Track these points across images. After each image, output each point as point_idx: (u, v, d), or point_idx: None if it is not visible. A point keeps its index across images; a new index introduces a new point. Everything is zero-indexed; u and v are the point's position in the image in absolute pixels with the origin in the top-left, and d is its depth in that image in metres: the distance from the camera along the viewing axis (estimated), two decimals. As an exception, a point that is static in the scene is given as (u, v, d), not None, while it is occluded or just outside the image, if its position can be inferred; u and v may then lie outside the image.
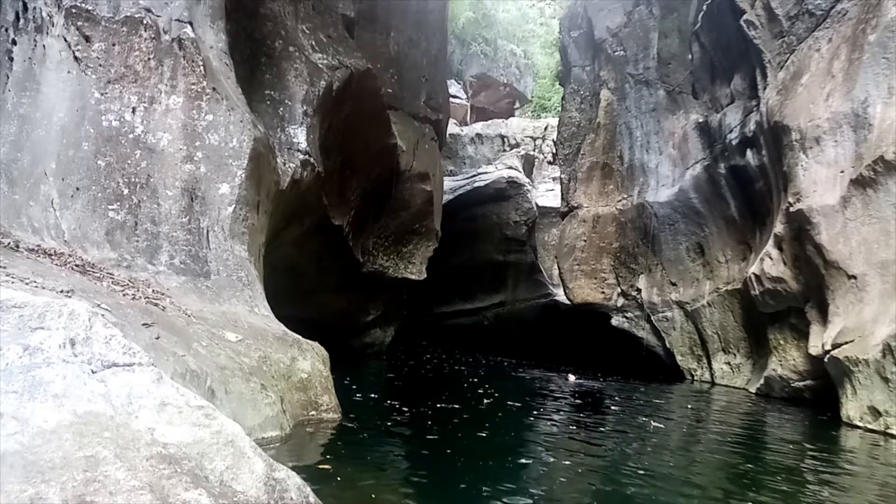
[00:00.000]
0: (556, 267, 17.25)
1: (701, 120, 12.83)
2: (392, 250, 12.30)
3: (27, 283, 3.38)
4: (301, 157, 7.54)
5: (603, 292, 14.89)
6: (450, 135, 20.30)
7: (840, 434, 7.54)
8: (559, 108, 19.75)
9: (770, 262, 10.22)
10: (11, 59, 5.19)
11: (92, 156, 5.23)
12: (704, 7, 12.52)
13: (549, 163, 23.79)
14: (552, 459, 5.26)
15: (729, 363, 12.61)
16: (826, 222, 8.73)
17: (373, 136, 10.26)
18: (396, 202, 11.84)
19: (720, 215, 12.61)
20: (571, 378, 10.71)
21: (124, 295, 4.22)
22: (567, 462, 5.17)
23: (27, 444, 1.82)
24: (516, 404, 8.14)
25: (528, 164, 22.86)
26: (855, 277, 8.26)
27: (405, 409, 6.74)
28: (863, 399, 7.75)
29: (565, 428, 6.97)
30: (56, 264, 4.33)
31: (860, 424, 7.71)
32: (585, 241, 15.03)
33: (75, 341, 2.32)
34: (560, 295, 17.56)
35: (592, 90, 15.78)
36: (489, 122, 26.63)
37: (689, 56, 13.30)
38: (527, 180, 20.59)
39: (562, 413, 8.15)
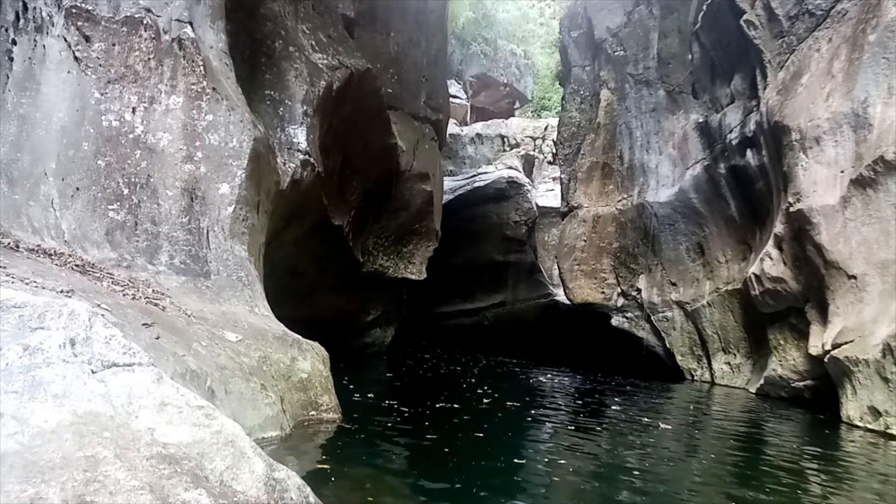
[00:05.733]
0: (556, 267, 17.25)
1: (701, 120, 12.83)
2: (392, 250, 12.31)
3: (27, 283, 3.38)
4: (301, 157, 7.54)
5: (603, 292, 14.89)
6: (450, 135, 20.30)
7: (840, 434, 7.54)
8: (559, 108, 19.75)
9: (770, 262, 10.22)
10: (11, 59, 5.19)
11: (92, 156, 5.23)
12: (704, 7, 12.51)
13: (549, 163, 23.79)
14: (551, 459, 5.26)
15: (729, 363, 12.61)
16: (826, 222, 8.73)
17: (373, 136, 10.27)
18: (396, 202, 11.85)
19: (720, 215, 12.60)
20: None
21: (124, 295, 4.22)
22: (566, 462, 5.17)
23: (27, 444, 1.82)
24: (516, 404, 8.14)
25: (528, 164, 22.87)
26: (855, 277, 8.26)
27: (405, 409, 6.74)
28: (863, 399, 7.75)
29: (565, 428, 6.97)
30: (56, 264, 4.33)
31: (860, 424, 7.71)
32: (585, 241, 15.02)
33: (75, 341, 2.32)
34: (560, 295, 17.55)
35: (592, 90, 15.77)
36: (489, 122, 26.62)
37: (689, 56, 13.30)
38: (527, 180, 20.59)
39: (562, 413, 8.15)
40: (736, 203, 12.20)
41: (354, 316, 12.45)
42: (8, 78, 5.15)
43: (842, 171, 8.66)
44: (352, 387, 7.47)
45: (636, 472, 4.80)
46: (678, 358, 13.71)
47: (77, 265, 4.50)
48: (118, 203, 5.20)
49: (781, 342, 10.49)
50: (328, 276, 11.05)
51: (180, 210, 5.41)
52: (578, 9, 16.37)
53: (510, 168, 20.37)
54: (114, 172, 5.26)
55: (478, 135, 25.00)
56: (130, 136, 5.38)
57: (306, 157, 7.60)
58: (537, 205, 20.17)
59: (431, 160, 12.57)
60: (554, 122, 21.98)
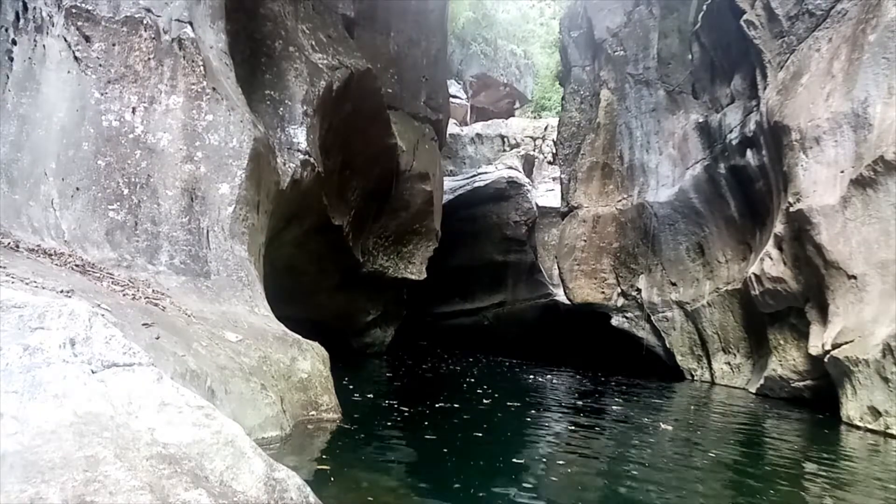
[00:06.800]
0: (556, 267, 17.25)
1: (701, 120, 12.83)
2: (392, 250, 12.31)
3: (27, 283, 3.38)
4: (301, 157, 7.54)
5: (603, 292, 14.89)
6: (450, 135, 20.30)
7: (840, 434, 7.54)
8: (559, 108, 19.75)
9: (770, 262, 10.22)
10: (11, 59, 5.19)
11: (92, 156, 5.23)
12: (704, 7, 12.51)
13: (549, 163, 23.78)
14: (551, 459, 5.26)
15: (729, 363, 12.61)
16: (826, 222, 8.73)
17: (373, 136, 10.27)
18: (396, 202, 11.85)
19: (720, 215, 12.61)
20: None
21: (124, 295, 4.22)
22: (566, 462, 5.17)
23: (27, 444, 1.82)
24: (516, 404, 8.13)
25: (528, 164, 22.86)
26: (855, 277, 8.26)
27: (405, 408, 6.74)
28: (863, 399, 7.75)
29: (565, 428, 6.97)
30: (56, 264, 4.33)
31: (860, 424, 7.71)
32: (585, 241, 15.02)
33: (75, 341, 2.32)
34: (560, 295, 17.55)
35: (592, 90, 15.78)
36: (489, 122, 26.62)
37: (689, 56, 13.30)
38: (527, 180, 20.59)
39: (562, 413, 8.14)
40: (736, 203, 12.20)
41: (354, 316, 12.45)
42: (8, 78, 5.15)
43: (842, 171, 8.66)
44: (352, 387, 7.46)
45: (636, 473, 4.80)
46: (678, 358, 13.71)
47: (77, 265, 4.50)
48: (118, 203, 5.20)
49: (781, 342, 10.49)
50: (328, 276, 11.05)
51: (180, 210, 5.41)
52: (578, 9, 16.38)
53: (510, 168, 20.37)
54: (114, 172, 5.26)
55: (478, 135, 25.00)
56: (130, 136, 5.38)
57: (306, 157, 7.60)
58: (537, 205, 20.17)
59: (431, 160, 12.57)
60: (554, 122, 21.97)
